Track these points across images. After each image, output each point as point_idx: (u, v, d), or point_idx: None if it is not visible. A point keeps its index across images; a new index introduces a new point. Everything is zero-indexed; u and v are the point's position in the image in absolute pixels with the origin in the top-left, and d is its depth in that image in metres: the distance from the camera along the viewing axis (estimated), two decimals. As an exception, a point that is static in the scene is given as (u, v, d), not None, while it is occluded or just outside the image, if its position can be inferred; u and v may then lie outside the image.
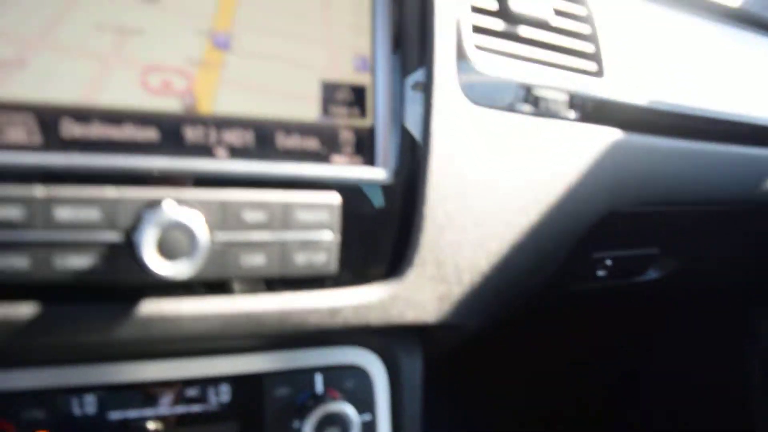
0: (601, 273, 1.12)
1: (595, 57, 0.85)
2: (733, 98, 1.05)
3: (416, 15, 0.67)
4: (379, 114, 0.66)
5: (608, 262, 1.11)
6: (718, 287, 1.48)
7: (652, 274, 1.24)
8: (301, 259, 0.62)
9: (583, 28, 0.85)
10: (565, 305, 1.41)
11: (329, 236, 0.63)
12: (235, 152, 0.61)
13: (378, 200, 0.66)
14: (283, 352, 0.72)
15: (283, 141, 0.63)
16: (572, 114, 0.81)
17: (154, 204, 0.56)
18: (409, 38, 0.66)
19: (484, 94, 0.73)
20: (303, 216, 0.61)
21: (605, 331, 1.71)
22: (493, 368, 1.68)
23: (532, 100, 0.77)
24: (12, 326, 0.54)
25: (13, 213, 0.52)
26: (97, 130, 0.56)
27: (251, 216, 0.59)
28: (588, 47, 0.85)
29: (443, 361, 0.90)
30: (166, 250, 0.54)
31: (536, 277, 0.87)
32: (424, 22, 0.66)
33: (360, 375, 0.76)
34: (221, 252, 0.58)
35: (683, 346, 1.63)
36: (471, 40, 0.72)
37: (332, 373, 0.74)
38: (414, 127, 0.66)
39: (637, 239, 1.13)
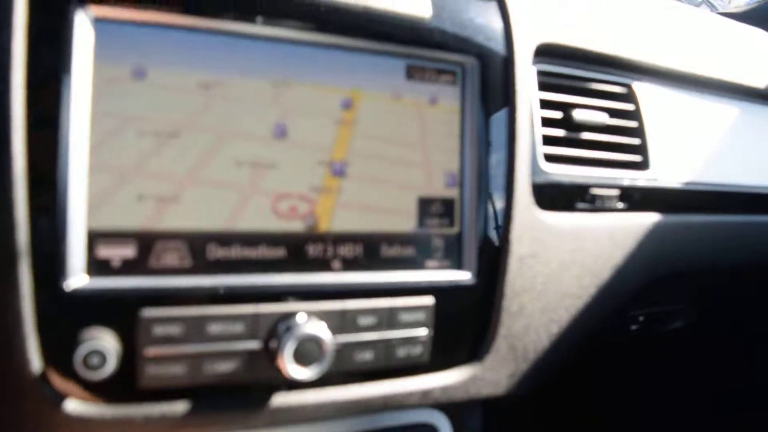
0: (633, 327, 1.23)
1: (641, 149, 0.95)
2: (761, 171, 1.16)
3: (500, 136, 0.76)
4: (465, 223, 0.76)
5: (641, 318, 1.21)
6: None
7: (678, 323, 1.35)
8: (402, 353, 0.72)
9: (632, 123, 0.95)
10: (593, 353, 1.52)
11: (425, 332, 0.73)
12: (348, 263, 0.71)
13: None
14: (368, 417, 0.83)
15: (387, 251, 0.72)
16: (621, 205, 0.91)
17: (288, 317, 0.65)
18: (492, 156, 0.76)
19: (549, 197, 0.82)
20: (405, 317, 0.71)
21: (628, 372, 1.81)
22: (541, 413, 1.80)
23: (588, 199, 0.86)
24: (169, 421, 0.64)
25: (173, 330, 0.62)
26: (237, 252, 0.66)
27: (364, 321, 0.69)
28: (636, 141, 0.95)
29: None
30: (301, 357, 0.64)
31: (583, 341, 0.97)
32: (508, 142, 0.76)
33: (428, 430, 0.88)
34: (340, 352, 0.68)
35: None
36: (542, 150, 0.82)
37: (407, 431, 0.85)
38: (494, 234, 0.76)
39: (668, 297, 1.23)
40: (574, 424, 1.82)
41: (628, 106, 0.95)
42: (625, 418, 1.80)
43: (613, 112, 0.93)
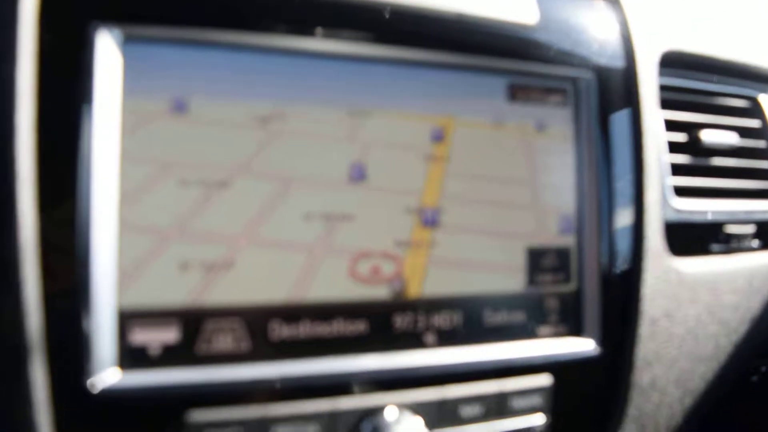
0: (754, 378, 1.06)
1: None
2: None
3: (624, 168, 0.60)
4: (585, 278, 0.60)
5: (763, 369, 1.04)
6: None
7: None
8: (513, 446, 0.57)
9: (760, 143, 0.78)
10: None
11: (541, 420, 0.57)
12: (444, 337, 0.56)
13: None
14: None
15: (491, 318, 0.57)
16: (756, 243, 0.74)
17: (374, 413, 0.50)
18: (616, 193, 0.60)
19: (681, 239, 0.66)
20: (517, 403, 0.56)
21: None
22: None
23: (722, 238, 0.70)
24: None
25: (231, 435, 0.47)
26: (306, 330, 0.51)
27: (467, 411, 0.54)
28: (765, 164, 0.78)
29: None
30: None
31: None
32: (634, 175, 0.60)
33: None
34: (438, 451, 0.53)
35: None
36: (670, 181, 0.66)
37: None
38: (621, 290, 0.60)
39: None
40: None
41: (755, 123, 0.78)
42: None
43: (741, 131, 0.76)
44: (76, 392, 0.45)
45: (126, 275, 0.47)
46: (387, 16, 0.52)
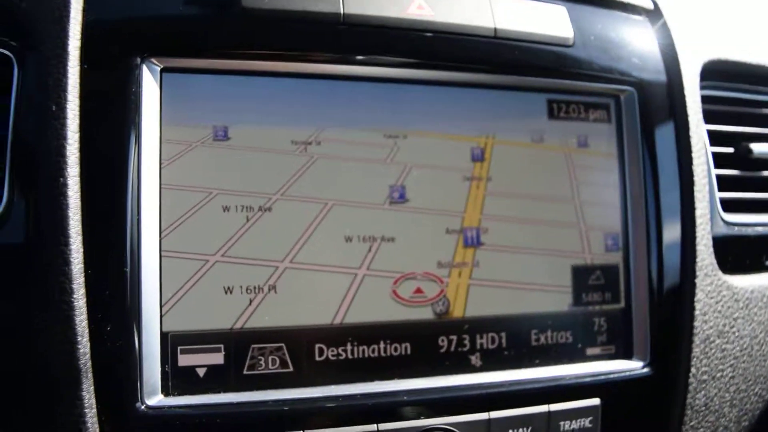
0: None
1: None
2: None
3: (671, 183, 0.59)
4: (633, 296, 0.58)
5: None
6: None
7: None
8: (562, 471, 0.55)
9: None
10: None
11: (591, 444, 0.55)
12: (490, 358, 0.55)
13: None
14: None
15: (537, 338, 0.56)
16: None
17: (418, 438, 0.49)
18: (663, 209, 0.58)
19: (733, 255, 0.64)
20: (566, 427, 0.54)
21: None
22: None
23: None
24: None
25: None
26: (350, 352, 0.50)
27: (515, 435, 0.52)
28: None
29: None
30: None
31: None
32: (682, 189, 0.58)
33: None
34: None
35: None
36: (718, 196, 0.64)
37: None
38: (671, 308, 0.58)
39: None
40: None
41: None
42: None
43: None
44: (125, 414, 0.45)
45: (170, 300, 0.47)
46: (423, 38, 0.52)
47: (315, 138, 0.51)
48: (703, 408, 0.62)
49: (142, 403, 0.45)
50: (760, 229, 0.67)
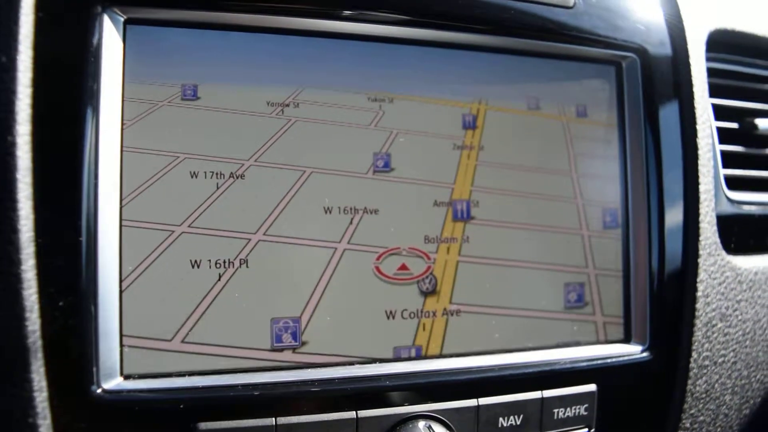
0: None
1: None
2: None
3: (674, 157, 0.55)
4: (632, 277, 0.55)
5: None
6: None
7: None
8: (555, 461, 0.51)
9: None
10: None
11: (586, 433, 0.52)
12: (480, 341, 0.50)
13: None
14: None
15: (530, 320, 0.52)
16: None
17: (403, 424, 0.45)
18: (665, 184, 0.55)
19: (737, 235, 0.60)
20: (560, 414, 0.51)
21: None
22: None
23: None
24: None
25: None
26: (326, 334, 0.46)
27: (507, 421, 0.49)
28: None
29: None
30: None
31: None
32: (685, 164, 0.55)
33: None
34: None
35: None
36: (723, 173, 0.60)
37: None
38: (672, 290, 0.55)
39: None
40: None
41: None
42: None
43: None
44: (79, 399, 0.41)
45: (130, 273, 0.42)
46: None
47: (293, 99, 0.46)
48: (704, 395, 0.59)
49: (98, 386, 0.40)
50: (765, 208, 0.64)
